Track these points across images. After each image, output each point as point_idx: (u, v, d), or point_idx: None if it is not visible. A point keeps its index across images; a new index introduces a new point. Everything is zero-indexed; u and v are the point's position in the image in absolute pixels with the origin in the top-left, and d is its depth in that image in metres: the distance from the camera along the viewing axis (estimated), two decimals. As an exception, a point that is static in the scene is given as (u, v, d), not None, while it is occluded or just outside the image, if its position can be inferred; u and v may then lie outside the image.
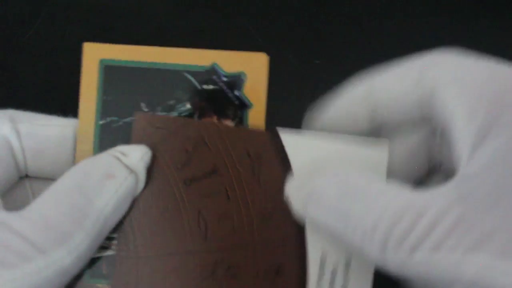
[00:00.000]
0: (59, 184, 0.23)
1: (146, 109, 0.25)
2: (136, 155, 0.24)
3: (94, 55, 0.27)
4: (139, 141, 0.25)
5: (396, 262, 0.19)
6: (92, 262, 0.24)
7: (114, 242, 0.25)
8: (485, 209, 0.18)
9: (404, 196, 0.20)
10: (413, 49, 0.44)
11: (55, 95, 0.43)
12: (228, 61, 0.25)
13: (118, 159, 0.24)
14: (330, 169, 0.23)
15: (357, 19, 0.44)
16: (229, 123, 0.25)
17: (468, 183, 0.19)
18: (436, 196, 0.19)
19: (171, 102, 0.25)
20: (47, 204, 0.22)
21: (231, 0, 0.44)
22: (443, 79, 0.22)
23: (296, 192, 0.23)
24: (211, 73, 0.25)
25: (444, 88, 0.22)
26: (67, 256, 0.21)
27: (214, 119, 0.25)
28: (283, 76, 0.41)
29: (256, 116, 0.25)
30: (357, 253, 0.21)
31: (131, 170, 0.24)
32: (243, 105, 0.25)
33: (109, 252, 0.25)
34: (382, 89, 0.26)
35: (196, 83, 0.25)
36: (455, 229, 0.18)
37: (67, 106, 0.44)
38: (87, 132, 0.26)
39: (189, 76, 0.25)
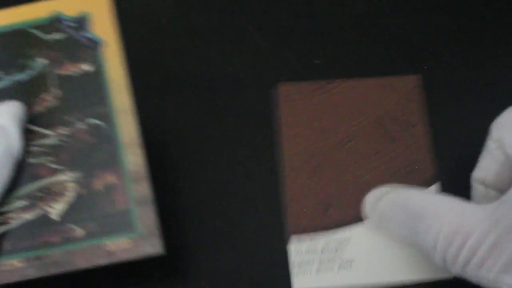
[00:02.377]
0: None
1: (1, 75, 0.25)
2: (5, 111, 0.23)
3: None
4: (287, 111, 0.32)
5: (456, 272, 0.24)
6: None
7: (11, 215, 0.24)
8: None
9: (455, 219, 0.23)
10: (413, 49, 0.44)
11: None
12: (69, 7, 0.25)
13: None
14: (393, 191, 0.29)
15: (357, 19, 0.44)
16: (86, 66, 0.25)
17: (503, 208, 0.23)
18: (480, 218, 0.23)
19: (24, 61, 0.25)
20: None
21: (231, 0, 0.44)
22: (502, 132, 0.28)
23: (371, 212, 0.30)
24: (55, 22, 0.25)
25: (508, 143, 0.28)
26: None
27: (70, 66, 0.25)
28: (283, 76, 0.41)
29: (112, 53, 0.26)
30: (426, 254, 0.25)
31: (1, 129, 0.22)
32: (94, 44, 0.25)
33: (7, 227, 0.24)
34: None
35: (43, 36, 0.25)
36: (492, 252, 0.22)
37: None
38: None
39: (35, 31, 0.25)
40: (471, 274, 0.23)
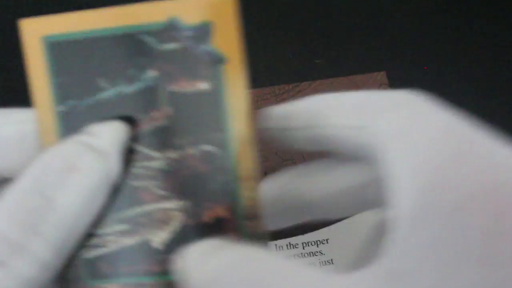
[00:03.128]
0: (14, 187, 0.20)
1: (105, 84, 0.22)
2: (106, 134, 0.21)
3: (35, 33, 0.23)
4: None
5: None
6: (90, 262, 0.22)
7: (110, 238, 0.22)
8: None
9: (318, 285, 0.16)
10: (413, 48, 0.44)
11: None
12: (188, 11, 0.22)
13: (84, 143, 0.20)
14: (231, 248, 0.19)
15: (357, 19, 0.44)
16: (203, 85, 0.22)
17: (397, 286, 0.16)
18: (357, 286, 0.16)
19: (132, 71, 0.22)
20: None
21: None
22: (389, 131, 0.19)
23: (195, 272, 0.19)
24: (172, 29, 0.21)
25: (389, 142, 0.18)
26: (27, 266, 0.19)
27: (184, 83, 0.22)
28: (284, 76, 0.41)
29: (234, 72, 0.22)
30: None
31: (101, 156, 0.20)
32: (215, 61, 0.22)
33: (105, 250, 0.22)
34: (328, 116, 0.21)
35: (156, 45, 0.22)
36: None
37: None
38: (47, 123, 0.22)
39: (149, 38, 0.22)
40: None
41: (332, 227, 0.32)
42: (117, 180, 0.21)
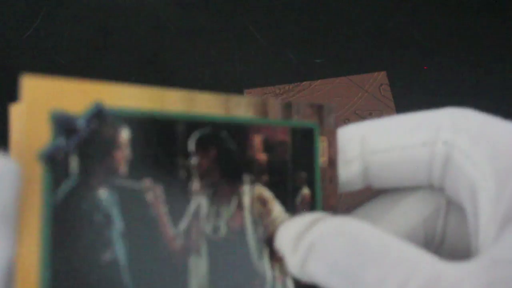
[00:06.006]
0: None
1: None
2: None
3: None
4: None
5: None
6: None
7: None
8: None
9: (429, 267, 0.16)
10: (413, 48, 0.44)
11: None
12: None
13: None
14: (336, 217, 0.18)
15: (357, 19, 0.44)
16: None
17: (498, 270, 0.16)
18: (466, 276, 0.16)
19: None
20: None
21: (231, 0, 0.44)
22: (463, 138, 0.19)
23: (293, 245, 0.18)
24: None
25: (464, 153, 0.18)
26: None
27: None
28: (284, 76, 0.41)
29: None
30: None
31: None
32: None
33: None
34: (379, 145, 0.20)
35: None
36: None
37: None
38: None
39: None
40: None
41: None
42: None
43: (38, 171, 0.16)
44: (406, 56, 0.42)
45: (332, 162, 0.21)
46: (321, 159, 0.21)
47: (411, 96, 0.41)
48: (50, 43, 0.44)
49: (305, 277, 0.18)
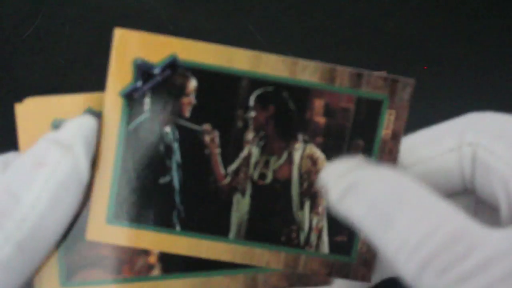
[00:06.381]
0: None
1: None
2: (71, 128, 0.20)
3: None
4: None
5: (424, 284, 0.17)
6: None
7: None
8: None
9: (461, 221, 0.17)
10: (413, 48, 0.44)
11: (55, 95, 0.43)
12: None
13: (51, 139, 0.20)
14: (381, 166, 0.20)
15: (357, 19, 0.44)
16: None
17: None
18: (496, 235, 0.17)
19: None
20: None
21: (231, 0, 0.44)
22: (485, 138, 0.20)
23: (337, 180, 0.20)
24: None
25: (488, 150, 0.20)
26: None
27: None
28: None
29: None
30: (386, 259, 0.19)
31: (66, 149, 0.20)
32: None
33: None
34: (409, 160, 0.22)
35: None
36: (509, 277, 0.16)
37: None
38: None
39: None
40: None
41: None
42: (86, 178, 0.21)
43: (118, 105, 0.20)
44: (406, 56, 0.42)
45: (396, 135, 0.22)
46: (384, 132, 0.22)
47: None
48: (50, 43, 0.44)
49: (341, 212, 0.20)
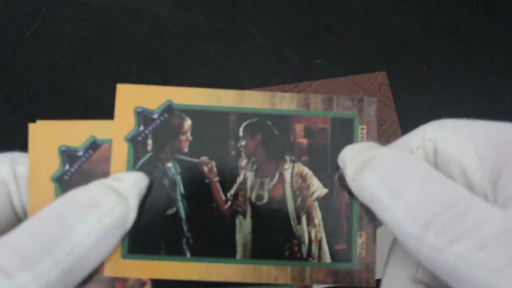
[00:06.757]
0: (41, 212, 0.22)
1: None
2: (129, 180, 0.23)
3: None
4: None
5: (432, 247, 0.18)
6: None
7: None
8: None
9: (461, 191, 0.19)
10: (413, 48, 0.44)
11: (55, 95, 0.43)
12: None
13: (108, 185, 0.22)
14: (395, 148, 0.23)
15: (357, 19, 0.44)
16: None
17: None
18: (486, 205, 0.19)
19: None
20: (20, 230, 0.21)
21: (231, 0, 0.44)
22: (443, 132, 0.23)
23: (355, 156, 0.23)
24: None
25: (446, 141, 0.22)
26: (31, 282, 0.20)
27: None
28: (284, 75, 0.41)
29: None
30: (394, 230, 0.21)
31: (122, 198, 0.22)
32: None
33: None
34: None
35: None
36: (500, 236, 0.17)
37: (67, 106, 0.44)
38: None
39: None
40: (455, 253, 0.18)
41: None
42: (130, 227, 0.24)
43: (125, 148, 0.24)
44: (406, 56, 0.42)
45: None
46: None
47: (411, 96, 0.41)
48: (50, 43, 0.44)
49: (356, 187, 0.22)
